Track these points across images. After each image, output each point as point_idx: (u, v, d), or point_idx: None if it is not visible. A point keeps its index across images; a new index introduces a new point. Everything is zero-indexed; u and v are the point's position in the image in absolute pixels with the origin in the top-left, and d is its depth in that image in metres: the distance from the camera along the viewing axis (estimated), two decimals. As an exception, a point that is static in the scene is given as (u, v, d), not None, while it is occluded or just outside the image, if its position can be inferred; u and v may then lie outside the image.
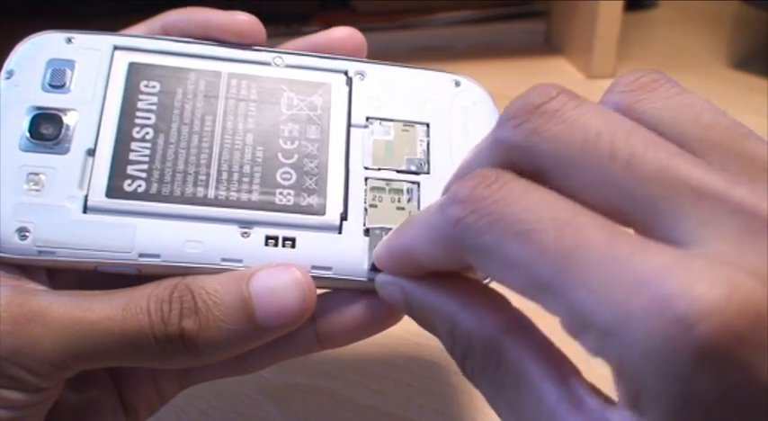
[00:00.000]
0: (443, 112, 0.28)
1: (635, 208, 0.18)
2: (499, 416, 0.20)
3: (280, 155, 0.27)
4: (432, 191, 0.27)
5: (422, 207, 0.26)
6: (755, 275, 0.15)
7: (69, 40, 0.27)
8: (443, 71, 0.29)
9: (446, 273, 0.22)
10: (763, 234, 0.16)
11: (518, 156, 0.20)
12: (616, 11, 0.62)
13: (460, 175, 0.22)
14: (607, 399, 0.18)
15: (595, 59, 0.63)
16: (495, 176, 0.19)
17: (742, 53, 0.68)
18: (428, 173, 0.27)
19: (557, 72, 0.66)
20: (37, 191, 0.25)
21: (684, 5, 0.77)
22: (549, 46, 0.70)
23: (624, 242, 0.17)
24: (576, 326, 0.17)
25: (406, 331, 0.35)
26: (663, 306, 0.15)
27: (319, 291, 0.25)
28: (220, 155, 0.26)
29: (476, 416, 0.34)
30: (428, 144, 0.28)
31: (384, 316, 0.25)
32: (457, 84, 0.29)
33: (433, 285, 0.22)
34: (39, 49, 0.27)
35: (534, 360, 0.19)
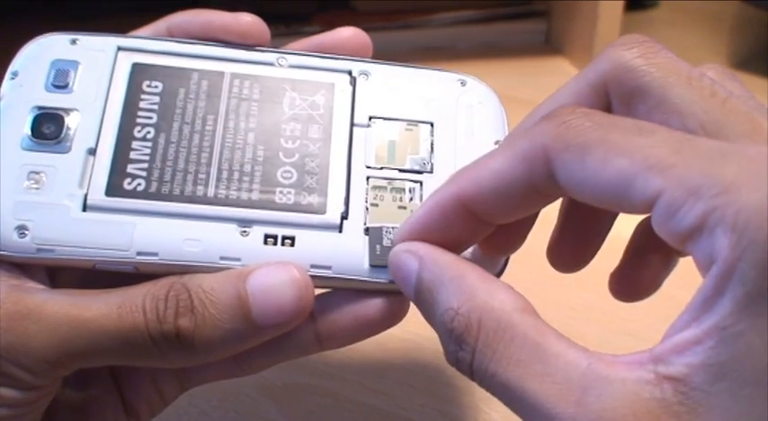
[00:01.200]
0: (448, 112, 0.28)
1: (723, 137, 0.20)
2: (511, 387, 0.19)
3: (281, 154, 0.27)
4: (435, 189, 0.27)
5: None
6: None
7: (74, 42, 0.27)
8: (449, 71, 0.29)
9: (461, 257, 0.22)
10: None
11: (623, 74, 0.22)
12: (616, 11, 0.62)
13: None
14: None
15: (596, 59, 0.63)
16: (587, 111, 0.20)
17: (742, 53, 0.68)
18: (431, 172, 0.27)
19: (557, 72, 0.66)
20: (37, 189, 0.25)
21: (685, 5, 0.77)
22: (549, 46, 0.70)
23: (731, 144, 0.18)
24: (686, 193, 0.17)
25: (406, 331, 0.35)
26: None
27: (319, 291, 0.25)
28: (221, 154, 0.26)
29: (476, 415, 0.34)
30: (432, 143, 0.28)
31: (385, 315, 0.25)
32: (462, 83, 0.29)
33: (454, 261, 0.22)
34: (44, 50, 0.27)
35: (553, 337, 0.19)
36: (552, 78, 0.65)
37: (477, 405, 0.34)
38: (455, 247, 0.23)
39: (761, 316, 0.16)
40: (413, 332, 0.36)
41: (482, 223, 0.22)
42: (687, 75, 0.21)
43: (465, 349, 0.20)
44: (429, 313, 0.22)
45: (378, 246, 0.25)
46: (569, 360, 0.18)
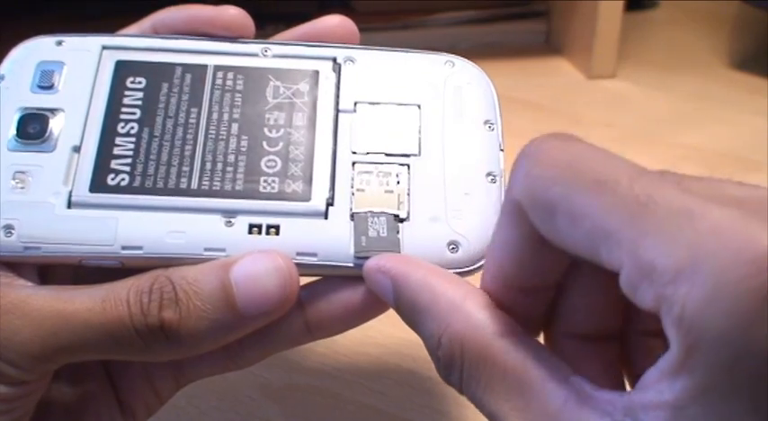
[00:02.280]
0: (436, 93, 0.28)
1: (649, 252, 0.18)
2: (497, 419, 0.20)
3: (265, 143, 0.27)
4: (423, 172, 0.26)
5: (412, 189, 0.26)
6: None
7: (59, 43, 0.28)
8: (437, 53, 0.29)
9: (440, 272, 0.22)
10: None
11: (529, 193, 0.19)
12: (616, 11, 0.62)
13: None
14: (616, 392, 0.18)
15: (596, 59, 0.63)
16: (565, 136, 0.19)
17: (742, 53, 0.68)
18: (419, 155, 0.27)
19: (557, 72, 0.66)
20: (22, 188, 0.25)
21: (685, 5, 0.77)
22: (549, 46, 0.70)
23: (698, 196, 0.17)
24: (640, 274, 0.17)
25: (406, 331, 0.34)
26: (738, 247, 0.15)
27: (308, 279, 0.25)
28: (204, 146, 0.26)
29: (477, 416, 0.34)
30: (419, 126, 0.27)
31: (373, 302, 0.25)
32: (451, 64, 0.29)
33: (426, 281, 0.22)
34: (30, 52, 0.27)
35: (533, 363, 0.19)
36: (552, 79, 0.65)
37: (478, 405, 0.34)
38: (529, 318, 0.22)
39: (711, 405, 0.16)
40: (413, 332, 0.36)
41: (539, 290, 0.22)
42: (595, 181, 0.18)
43: (453, 375, 0.21)
44: (415, 331, 0.22)
45: (363, 238, 0.25)
46: (547, 395, 0.18)
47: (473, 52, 0.70)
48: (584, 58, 0.65)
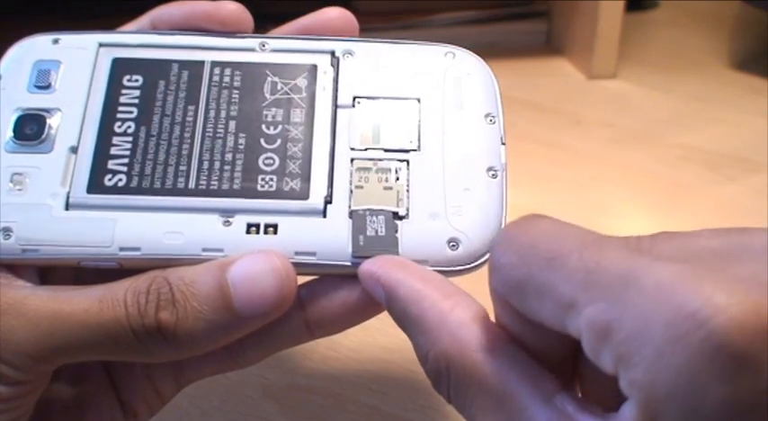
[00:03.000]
0: (436, 86, 0.28)
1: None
2: None
3: (262, 140, 0.26)
4: (422, 167, 0.26)
5: (412, 185, 0.26)
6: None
7: (56, 41, 0.28)
8: (437, 44, 0.29)
9: (432, 280, 0.22)
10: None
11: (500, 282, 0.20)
12: (617, 11, 0.62)
13: None
14: (596, 410, 0.18)
15: (596, 60, 0.63)
16: (530, 218, 0.20)
17: (743, 54, 0.68)
18: (418, 150, 0.26)
19: (557, 73, 0.66)
20: (20, 190, 0.25)
21: (685, 6, 0.77)
22: (550, 46, 0.70)
23: (644, 256, 0.17)
24: (598, 340, 0.17)
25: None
26: (678, 304, 0.15)
27: (307, 278, 0.25)
28: (202, 144, 0.26)
29: (477, 416, 0.34)
30: (418, 120, 0.27)
31: (373, 301, 0.25)
32: (451, 55, 0.28)
33: (415, 293, 0.22)
34: (26, 51, 0.27)
35: (518, 380, 0.19)
36: (553, 79, 0.65)
37: (478, 405, 0.34)
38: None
39: None
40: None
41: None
42: (547, 260, 0.18)
43: (442, 387, 0.21)
44: (409, 339, 0.22)
45: (361, 237, 0.25)
46: (530, 416, 0.19)
47: (473, 52, 0.70)
48: (584, 59, 0.65)
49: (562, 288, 0.18)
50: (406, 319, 0.22)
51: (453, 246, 0.25)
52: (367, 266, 0.24)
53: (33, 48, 0.27)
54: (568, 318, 0.18)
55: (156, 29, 0.28)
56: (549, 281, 0.18)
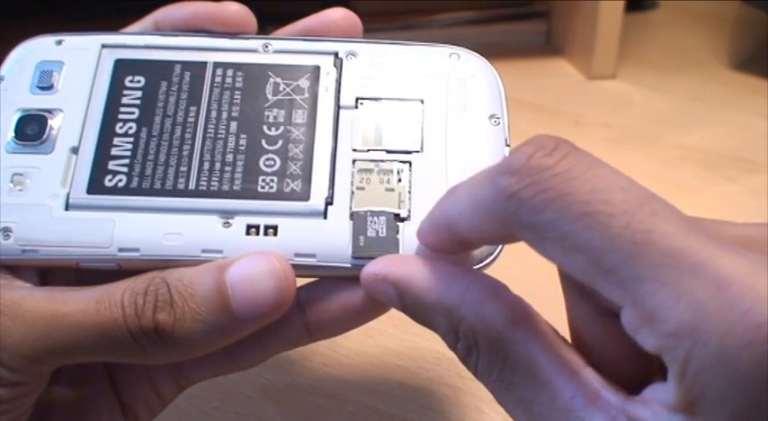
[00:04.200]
0: (440, 87, 0.27)
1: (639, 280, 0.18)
2: (509, 413, 0.20)
3: (264, 141, 0.26)
4: (425, 169, 0.26)
5: (414, 187, 0.26)
6: None
7: (59, 43, 0.28)
8: (441, 45, 0.28)
9: (439, 265, 0.22)
10: None
11: (511, 214, 0.18)
12: (617, 12, 0.62)
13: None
14: (622, 391, 0.18)
15: (596, 60, 0.63)
16: (554, 144, 0.18)
17: (742, 54, 0.68)
18: (421, 151, 0.26)
19: (557, 73, 0.66)
20: (20, 191, 0.25)
21: (685, 6, 0.77)
22: (549, 47, 0.70)
23: (702, 237, 0.16)
24: (641, 319, 0.16)
25: (406, 331, 0.35)
26: (745, 309, 0.15)
27: (307, 280, 0.25)
28: (203, 145, 0.26)
29: (477, 416, 0.34)
30: (421, 121, 0.27)
31: (373, 303, 0.24)
32: (455, 56, 0.28)
33: (430, 280, 0.22)
34: (29, 52, 0.27)
35: (544, 354, 0.19)
36: (553, 79, 0.65)
37: (478, 406, 0.34)
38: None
39: None
40: (413, 332, 0.36)
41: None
42: (584, 210, 0.17)
43: (471, 369, 0.21)
44: (430, 329, 0.22)
45: (361, 238, 0.25)
46: (555, 390, 0.18)
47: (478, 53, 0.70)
48: (584, 59, 0.65)
49: (601, 253, 0.16)
50: (425, 309, 0.22)
51: None
52: (370, 269, 0.23)
53: (36, 49, 0.27)
54: (603, 283, 0.17)
55: (159, 30, 0.28)
56: (584, 239, 0.17)
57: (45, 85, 0.27)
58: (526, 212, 0.18)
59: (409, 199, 0.25)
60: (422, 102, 0.27)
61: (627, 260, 0.16)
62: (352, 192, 0.26)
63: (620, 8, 0.62)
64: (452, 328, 0.21)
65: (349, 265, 0.24)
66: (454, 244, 0.22)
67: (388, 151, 0.26)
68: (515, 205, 0.18)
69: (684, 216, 0.17)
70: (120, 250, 0.24)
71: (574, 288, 0.20)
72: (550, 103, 0.61)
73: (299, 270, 0.24)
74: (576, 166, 0.17)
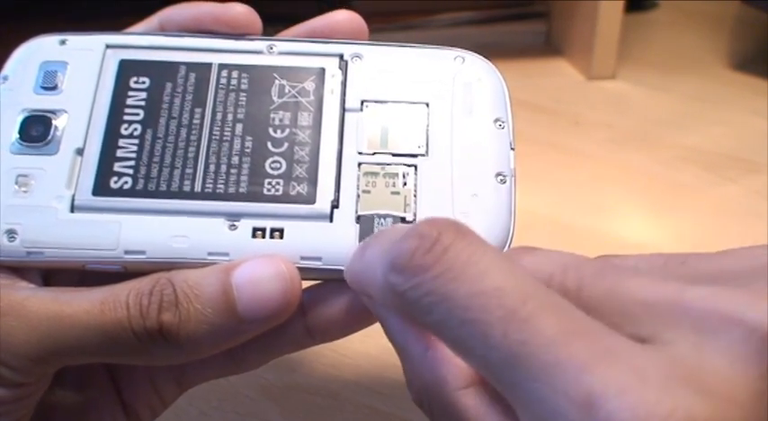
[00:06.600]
0: (445, 91, 0.27)
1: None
2: None
3: (269, 144, 0.26)
4: (430, 173, 0.26)
5: (419, 190, 0.26)
6: (703, 391, 0.15)
7: (63, 42, 0.27)
8: (446, 48, 0.28)
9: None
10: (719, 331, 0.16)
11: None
12: (617, 12, 0.62)
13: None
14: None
15: (596, 60, 0.63)
16: (435, 235, 0.18)
17: (742, 54, 0.69)
18: (426, 155, 0.26)
19: (557, 73, 0.66)
20: (25, 192, 0.25)
21: (685, 6, 0.77)
22: (549, 47, 0.70)
23: (580, 344, 0.16)
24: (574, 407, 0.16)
25: (406, 332, 0.34)
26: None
27: (310, 283, 0.25)
28: (208, 147, 0.26)
29: (476, 416, 0.34)
30: (427, 125, 0.27)
31: None
32: (461, 59, 0.28)
33: (397, 326, 0.22)
34: (33, 52, 0.27)
35: (490, 413, 0.19)
36: (552, 79, 0.65)
37: (477, 406, 0.34)
38: None
39: None
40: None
41: None
42: (463, 317, 0.17)
43: (427, 415, 0.21)
44: None
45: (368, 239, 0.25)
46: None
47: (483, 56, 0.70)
48: (584, 59, 0.65)
49: (485, 358, 0.17)
50: (393, 345, 0.22)
51: None
52: (353, 286, 0.23)
53: (40, 49, 0.27)
54: (496, 384, 0.17)
55: (164, 30, 0.28)
56: (469, 345, 0.17)
57: (49, 86, 0.27)
58: (417, 312, 0.18)
59: (415, 202, 0.25)
60: (427, 105, 0.27)
61: (509, 370, 0.16)
62: (358, 196, 0.25)
63: (619, 8, 0.62)
64: (409, 378, 0.21)
65: None
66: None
67: (393, 154, 0.26)
68: (407, 304, 0.18)
69: (564, 308, 0.17)
70: (127, 252, 0.24)
71: None
72: (550, 103, 0.61)
73: (305, 273, 0.24)
74: (455, 265, 0.17)
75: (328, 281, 0.25)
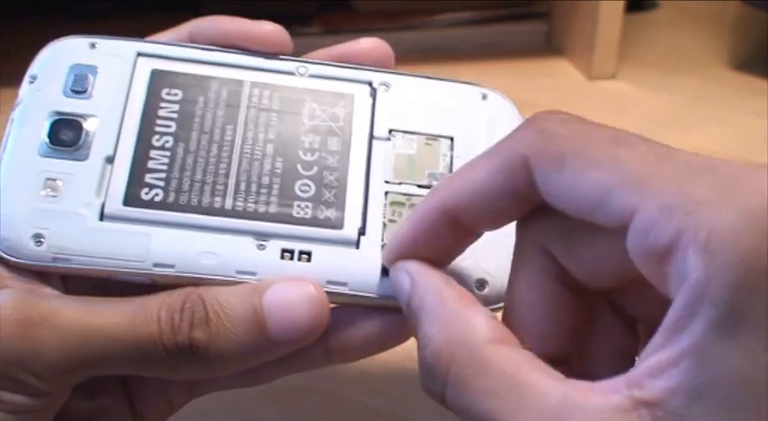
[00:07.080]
0: (469, 126, 0.28)
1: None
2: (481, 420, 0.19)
3: (299, 166, 0.26)
4: None
5: None
6: None
7: (93, 46, 0.27)
8: (470, 83, 0.29)
9: (454, 284, 0.22)
10: None
11: (545, 141, 0.20)
12: (617, 12, 0.62)
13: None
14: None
15: (596, 60, 0.63)
16: (566, 117, 0.20)
17: (743, 54, 0.68)
18: None
19: (558, 73, 0.66)
20: (54, 197, 0.25)
21: (685, 6, 0.77)
22: (550, 47, 0.70)
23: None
24: (660, 211, 0.17)
25: (406, 332, 0.34)
26: (762, 186, 0.16)
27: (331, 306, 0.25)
28: (239, 165, 0.26)
29: (476, 416, 0.34)
30: (452, 158, 0.27)
31: (394, 333, 0.25)
32: (484, 97, 0.29)
33: (438, 287, 0.22)
34: (62, 53, 0.27)
35: (528, 367, 0.19)
36: (553, 80, 0.65)
37: (478, 406, 0.34)
38: (444, 257, 0.23)
39: (736, 338, 0.15)
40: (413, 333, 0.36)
41: (467, 231, 0.22)
42: (612, 138, 0.19)
43: (436, 380, 0.20)
44: (415, 332, 0.22)
45: None
46: (544, 390, 0.18)
47: (474, 53, 0.70)
48: (584, 59, 0.65)
49: (624, 164, 0.18)
50: (423, 307, 0.22)
51: (480, 286, 0.25)
52: (401, 263, 0.23)
53: (69, 50, 0.27)
54: (617, 195, 0.18)
55: (194, 41, 0.28)
56: (608, 155, 0.18)
57: (80, 89, 0.26)
58: (551, 142, 0.20)
59: None
60: (452, 139, 0.27)
61: (653, 165, 0.18)
62: (384, 225, 0.26)
63: (620, 8, 0.62)
64: (433, 335, 0.21)
65: (379, 295, 0.25)
66: (444, 238, 0.22)
67: (419, 186, 0.27)
68: (542, 138, 0.20)
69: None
70: (156, 265, 0.24)
71: (530, 248, 0.21)
72: (551, 104, 0.60)
73: (330, 297, 0.24)
74: (588, 121, 0.21)
75: (353, 305, 0.25)
